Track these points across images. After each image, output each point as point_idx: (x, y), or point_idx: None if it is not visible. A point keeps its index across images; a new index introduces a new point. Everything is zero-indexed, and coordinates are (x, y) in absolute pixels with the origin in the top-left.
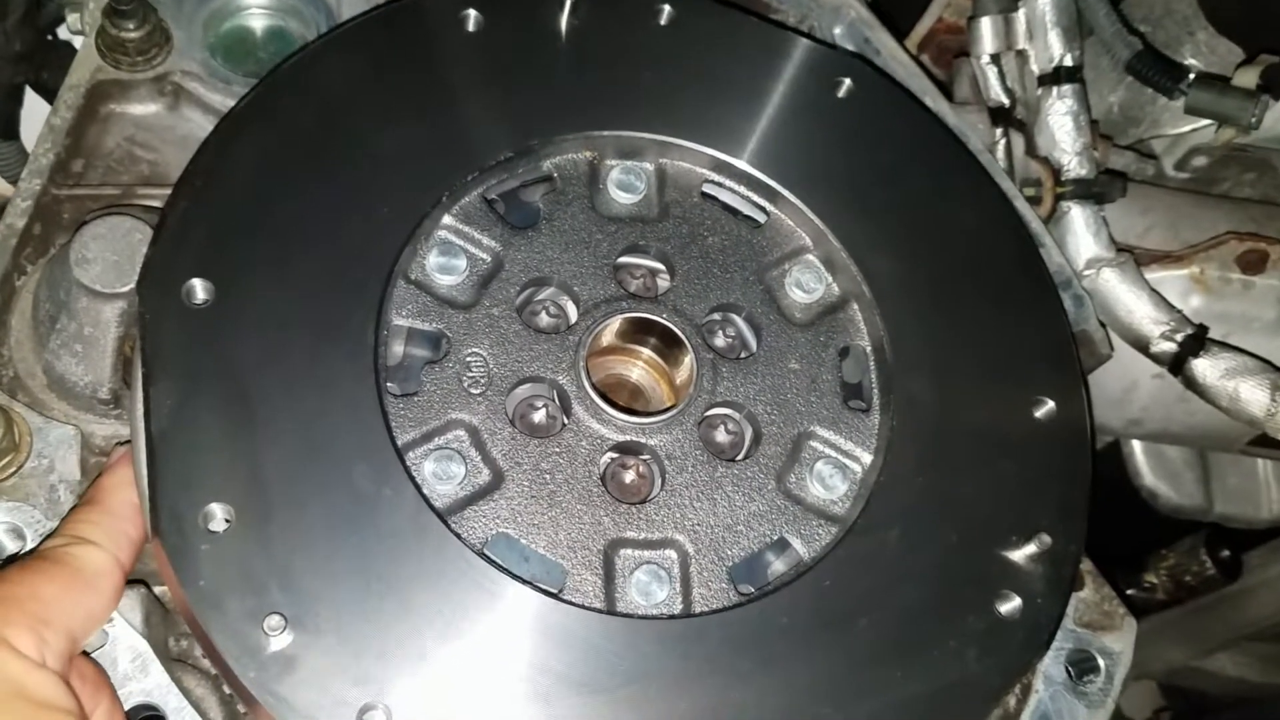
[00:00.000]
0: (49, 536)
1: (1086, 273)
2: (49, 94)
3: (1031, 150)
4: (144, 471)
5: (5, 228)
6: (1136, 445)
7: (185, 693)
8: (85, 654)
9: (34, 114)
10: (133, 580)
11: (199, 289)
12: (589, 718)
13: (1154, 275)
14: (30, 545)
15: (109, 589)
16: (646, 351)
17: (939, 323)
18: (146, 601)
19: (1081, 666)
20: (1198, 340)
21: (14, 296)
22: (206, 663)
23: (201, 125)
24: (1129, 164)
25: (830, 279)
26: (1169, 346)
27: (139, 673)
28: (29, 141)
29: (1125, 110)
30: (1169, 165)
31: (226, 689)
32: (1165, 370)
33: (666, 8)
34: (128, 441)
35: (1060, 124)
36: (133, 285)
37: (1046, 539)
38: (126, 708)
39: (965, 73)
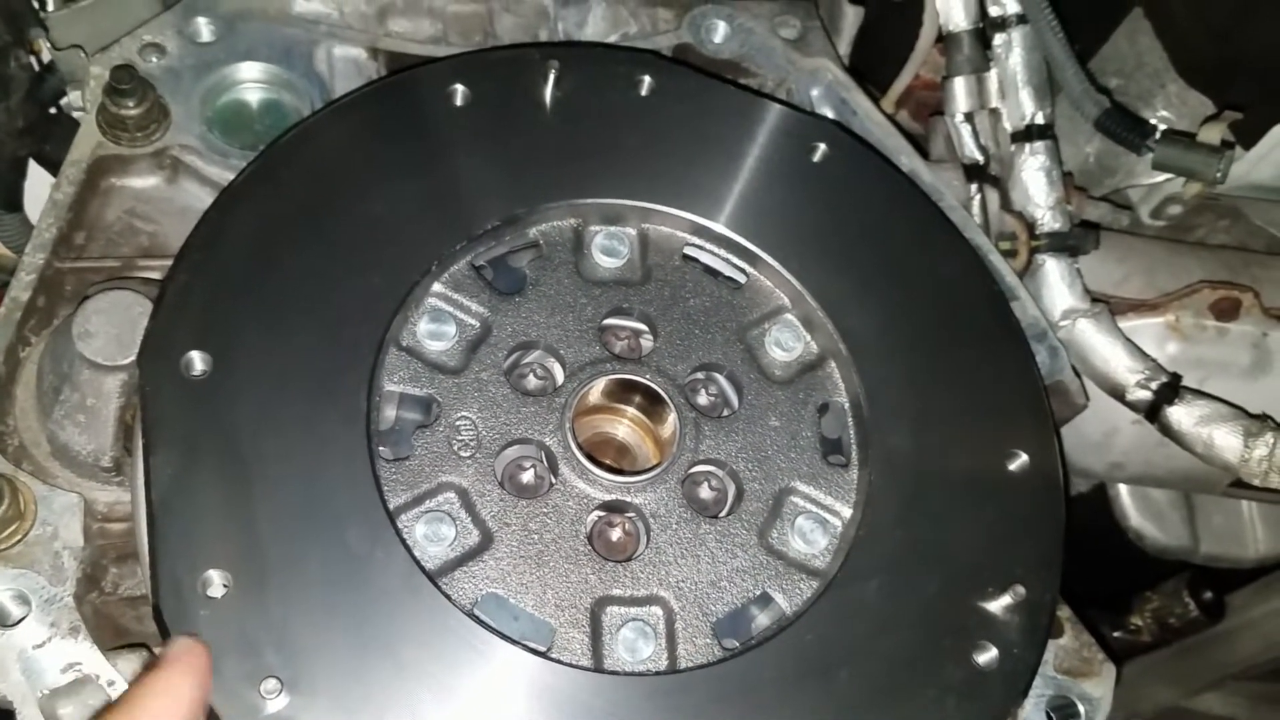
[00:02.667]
0: None
1: (1062, 324)
2: (51, 166)
3: (1006, 205)
4: (144, 539)
5: (10, 301)
6: (1122, 487)
7: None
8: None
9: (36, 183)
10: (135, 644)
11: (197, 361)
12: None
13: (1131, 323)
14: (34, 611)
15: None
16: (631, 410)
17: (914, 379)
18: (149, 664)
19: (1063, 713)
20: (1172, 388)
21: (19, 368)
22: None
23: (199, 197)
24: (1104, 215)
25: (808, 337)
26: (1144, 395)
27: None
28: (31, 211)
29: (1101, 160)
30: (1144, 214)
31: None
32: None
33: (647, 78)
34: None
35: (1033, 179)
36: (133, 358)
37: (1021, 590)
38: None
39: (940, 130)
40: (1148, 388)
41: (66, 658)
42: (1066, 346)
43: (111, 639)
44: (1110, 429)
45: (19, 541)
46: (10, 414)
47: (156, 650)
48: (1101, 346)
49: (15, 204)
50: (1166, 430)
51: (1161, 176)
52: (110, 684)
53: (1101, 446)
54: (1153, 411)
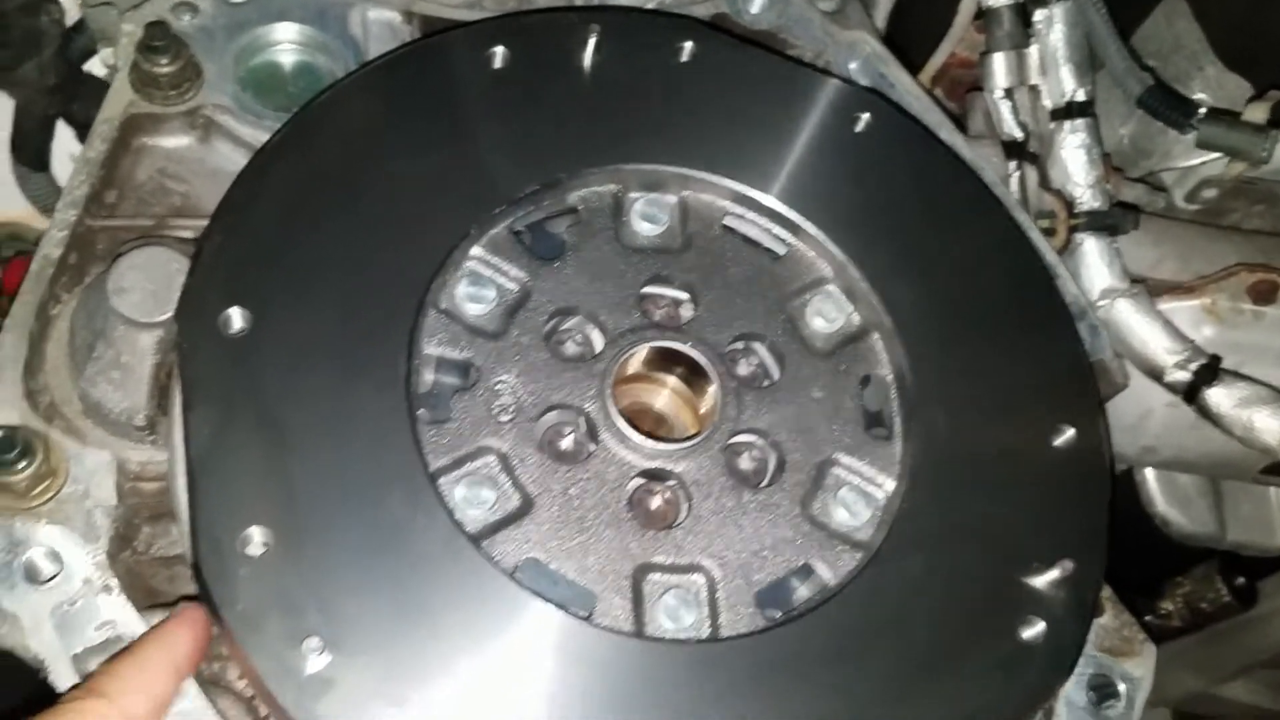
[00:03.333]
0: (74, 687)
1: (1101, 303)
2: (79, 126)
3: (1045, 183)
4: (183, 497)
5: (42, 258)
6: (1149, 472)
7: (220, 714)
8: None
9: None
10: (171, 603)
11: (236, 318)
12: None
13: (1166, 306)
14: (65, 569)
15: None
16: (672, 380)
17: (959, 351)
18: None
19: (1102, 692)
20: (1211, 370)
21: (50, 325)
22: (240, 685)
23: (232, 159)
24: (1139, 196)
25: (851, 309)
26: (1183, 376)
27: (176, 696)
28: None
29: (1136, 143)
30: (1179, 197)
31: (263, 712)
32: (1179, 399)
33: (688, 45)
34: (194, 597)
35: (1073, 157)
36: (169, 314)
37: (1069, 564)
38: None
39: (979, 106)
40: (1186, 369)
41: (100, 616)
42: (1105, 326)
43: (143, 600)
44: (1144, 411)
45: (51, 499)
46: (41, 371)
47: None
48: (1140, 327)
49: (43, 163)
50: (1205, 413)
51: (1197, 159)
52: None
53: (1134, 429)
54: (1191, 393)
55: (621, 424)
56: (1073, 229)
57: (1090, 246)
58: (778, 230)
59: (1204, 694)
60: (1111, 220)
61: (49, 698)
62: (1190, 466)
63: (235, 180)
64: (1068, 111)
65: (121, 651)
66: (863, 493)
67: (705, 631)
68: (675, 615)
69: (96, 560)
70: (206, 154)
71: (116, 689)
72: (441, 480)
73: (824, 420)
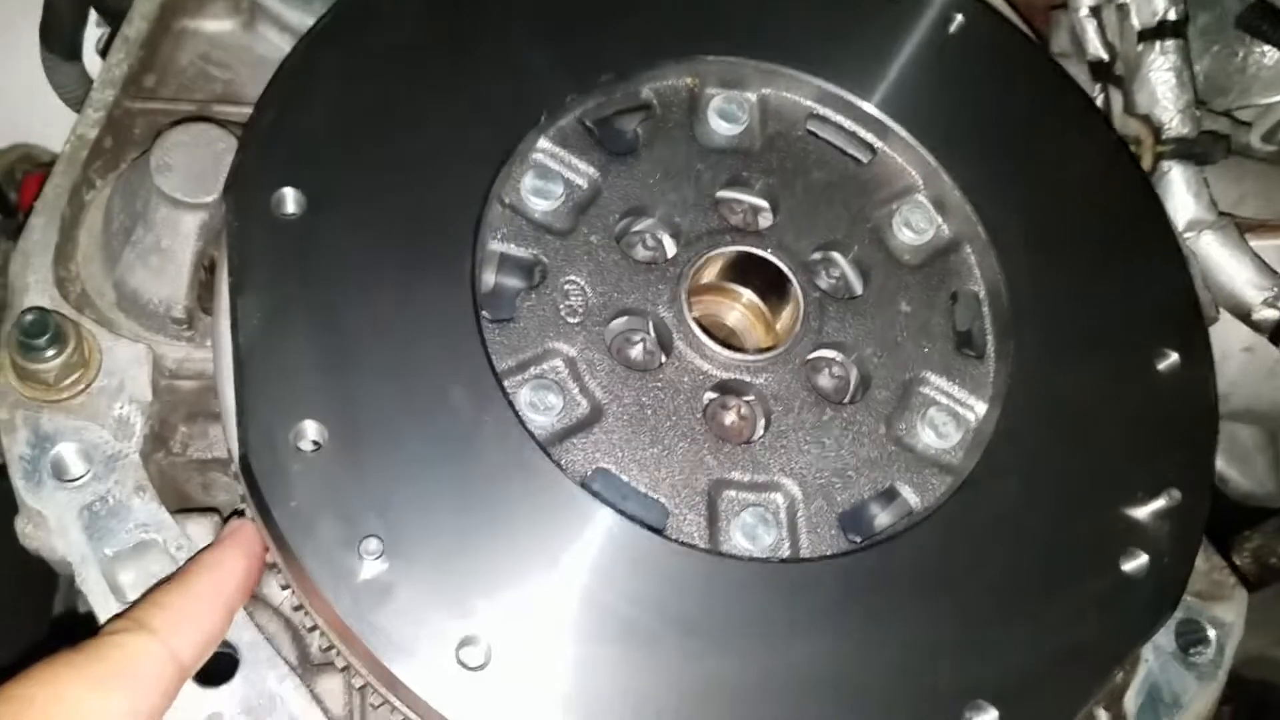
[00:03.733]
0: (116, 616)
1: (1186, 235)
2: (112, 17)
3: (1130, 108)
4: (229, 390)
5: (75, 138)
6: None
7: (258, 629)
8: None
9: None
10: (205, 509)
11: (290, 199)
12: (695, 660)
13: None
14: (96, 467)
15: (154, 688)
16: (747, 294)
17: (1056, 268)
18: (219, 532)
19: (1189, 638)
20: None
21: (83, 210)
22: (279, 599)
23: (278, 46)
24: (1222, 130)
25: (940, 221)
26: (1272, 314)
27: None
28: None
29: (1212, 79)
30: (1256, 137)
31: (308, 623)
32: (1260, 342)
33: None
34: (240, 512)
35: (1162, 80)
36: (215, 197)
37: (1176, 494)
38: None
39: (1063, 25)
40: (1275, 306)
41: (132, 519)
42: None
43: (174, 505)
44: (1218, 357)
45: (81, 392)
46: (73, 259)
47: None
48: (1227, 261)
49: (75, 53)
50: None
51: (1278, 96)
52: (179, 548)
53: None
54: (1278, 333)
55: (697, 331)
56: (1159, 156)
57: (1177, 175)
58: (864, 133)
59: (1262, 656)
60: (1200, 148)
61: (85, 624)
62: (1262, 418)
63: (290, 53)
64: (1158, 31)
65: (168, 579)
66: (952, 414)
67: (784, 552)
68: (753, 534)
69: (129, 459)
70: (251, 40)
71: (163, 623)
72: (505, 383)
73: (911, 337)
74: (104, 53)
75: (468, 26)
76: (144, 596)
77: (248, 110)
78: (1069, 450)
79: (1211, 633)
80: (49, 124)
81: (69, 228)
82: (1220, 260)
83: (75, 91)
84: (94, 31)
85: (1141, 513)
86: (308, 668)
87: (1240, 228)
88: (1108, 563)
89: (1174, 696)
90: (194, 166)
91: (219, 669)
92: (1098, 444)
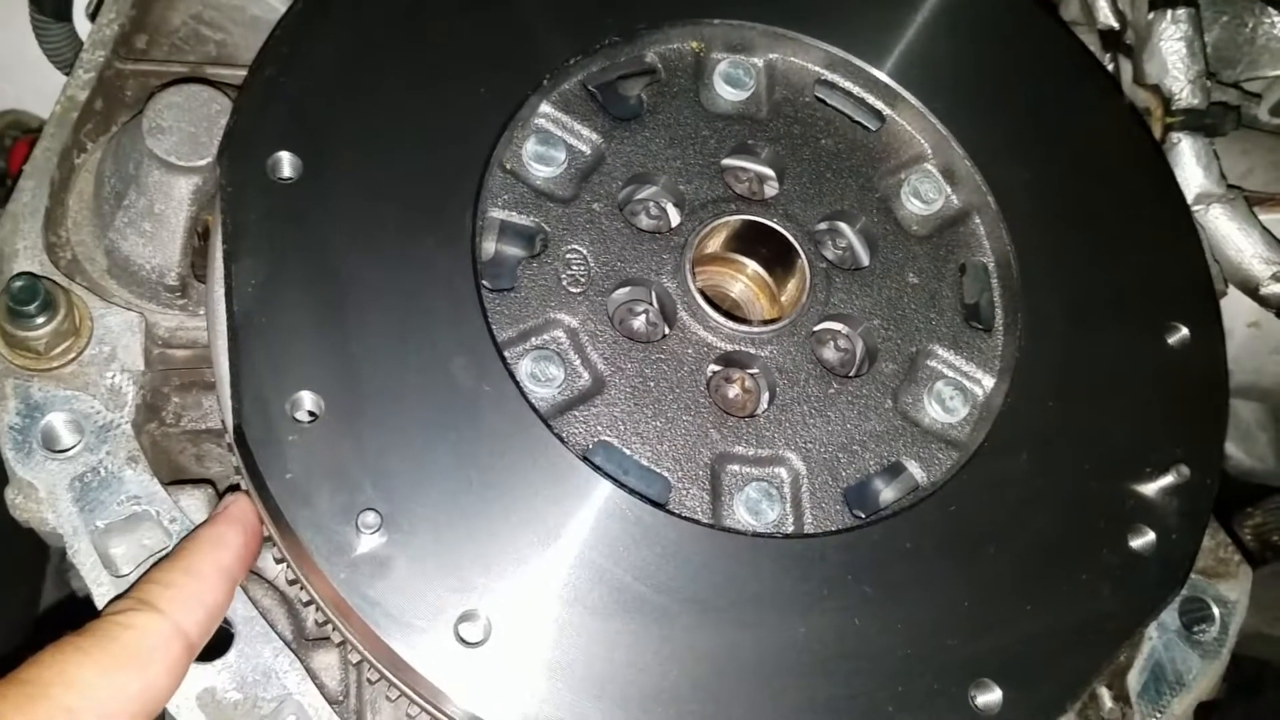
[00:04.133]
0: (119, 597)
1: (1195, 208)
2: None
3: (1140, 78)
4: (223, 360)
5: (66, 100)
6: None
7: (252, 604)
8: None
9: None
10: (199, 480)
11: (286, 163)
12: (698, 635)
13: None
14: (87, 438)
15: (163, 667)
16: (752, 265)
17: (1066, 240)
18: (213, 504)
19: (1194, 615)
20: None
21: (73, 174)
22: (274, 573)
23: (273, 7)
24: (1231, 101)
25: (949, 190)
26: (1279, 289)
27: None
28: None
29: (1220, 51)
30: (1264, 110)
31: (304, 597)
32: (1266, 318)
33: None
34: (237, 486)
35: (1173, 50)
36: (209, 160)
37: (1185, 470)
38: None
39: None
40: None
41: (124, 490)
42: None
43: (167, 477)
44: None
45: (73, 360)
46: (63, 225)
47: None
48: (1235, 235)
49: (64, 13)
50: None
51: None
52: (172, 521)
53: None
54: None
55: (702, 302)
56: (1168, 127)
57: (1186, 147)
58: (873, 100)
59: (1259, 633)
60: (1211, 119)
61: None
62: (1264, 394)
63: (288, 12)
64: (1170, 0)
65: (167, 556)
66: (960, 388)
67: (788, 527)
68: (756, 509)
69: (121, 429)
70: (245, 1)
71: (168, 601)
72: (506, 353)
73: (920, 308)
74: (94, 15)
75: None
76: (145, 575)
77: (241, 73)
78: (1077, 426)
79: (1216, 611)
80: (39, 91)
81: (59, 192)
82: (1228, 234)
83: (65, 54)
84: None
85: (1150, 489)
86: (303, 643)
87: (1249, 201)
88: (1115, 539)
89: (1177, 675)
90: (187, 128)
91: (213, 644)
92: (1106, 419)
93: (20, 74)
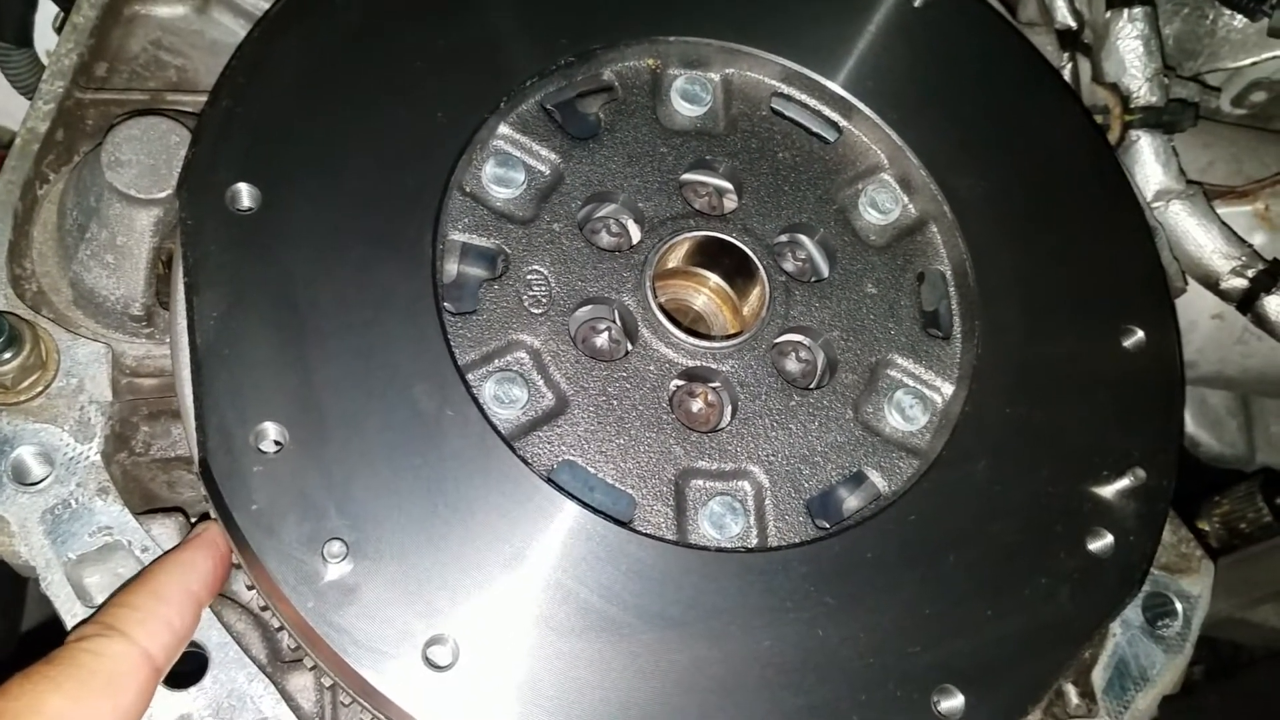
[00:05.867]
0: (84, 622)
1: (1155, 205)
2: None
3: (1098, 76)
4: (187, 390)
5: (26, 131)
6: None
7: (225, 628)
8: None
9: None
10: (170, 509)
11: (244, 194)
12: (666, 651)
13: (1217, 211)
14: (57, 470)
15: (132, 691)
16: (714, 278)
17: (1023, 246)
18: (185, 531)
19: (1157, 610)
20: (1271, 276)
21: (36, 206)
22: (247, 597)
23: (232, 30)
24: (1191, 95)
25: (906, 200)
26: (1239, 283)
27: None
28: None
29: (1181, 43)
30: (1225, 100)
31: (275, 623)
32: (1229, 309)
33: None
34: (208, 515)
35: (1130, 48)
36: (170, 191)
37: (1141, 473)
38: None
39: None
40: (1243, 275)
41: (95, 521)
42: (1160, 229)
43: (140, 506)
44: (1187, 324)
45: (41, 393)
46: (27, 257)
47: (194, 520)
48: (1194, 231)
49: (25, 39)
50: (1261, 321)
51: (1247, 60)
52: (144, 550)
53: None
54: (1247, 301)
55: (662, 319)
56: (1127, 125)
57: (1145, 144)
58: (829, 112)
59: (1230, 618)
60: (1169, 116)
61: (55, 631)
62: (1229, 382)
63: (242, 43)
64: None
65: (134, 580)
66: (919, 396)
67: (752, 540)
68: (720, 523)
69: (91, 461)
70: (205, 25)
71: (133, 625)
72: (469, 376)
73: (879, 318)
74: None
75: (422, 11)
76: (112, 599)
77: (203, 98)
78: (1035, 431)
79: (1179, 606)
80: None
81: (22, 224)
82: (1188, 229)
83: (28, 79)
84: (49, 9)
85: (1107, 492)
86: (278, 665)
87: (1209, 195)
88: (1074, 543)
89: (1141, 670)
90: (147, 161)
91: (188, 670)
92: (1063, 424)
93: None
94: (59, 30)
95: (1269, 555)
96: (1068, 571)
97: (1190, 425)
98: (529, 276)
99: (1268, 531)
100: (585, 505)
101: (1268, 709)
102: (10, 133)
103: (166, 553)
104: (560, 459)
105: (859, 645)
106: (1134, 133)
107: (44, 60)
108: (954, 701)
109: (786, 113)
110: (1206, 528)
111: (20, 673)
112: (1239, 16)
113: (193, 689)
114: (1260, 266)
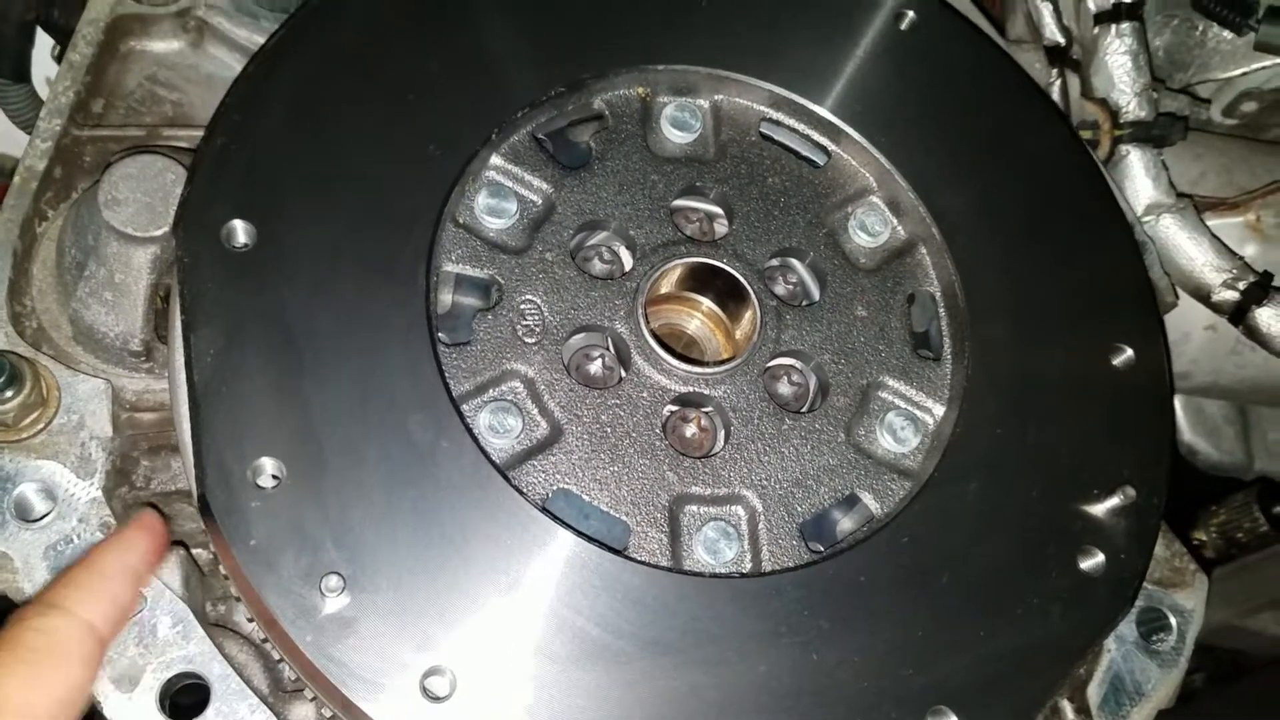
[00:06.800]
0: (26, 604)
1: (1145, 219)
2: (60, 34)
3: (1088, 92)
4: (186, 426)
5: (25, 170)
6: (1176, 400)
7: (227, 659)
8: None
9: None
10: (172, 542)
11: (240, 231)
12: (662, 678)
13: (1208, 223)
14: (59, 506)
15: (79, 664)
16: (706, 302)
17: (1012, 266)
18: (185, 564)
19: (1151, 626)
20: (1262, 288)
21: (36, 244)
22: (249, 628)
23: (227, 64)
24: (1181, 108)
25: (895, 222)
26: (1231, 295)
27: (180, 639)
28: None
29: (1171, 54)
30: (1216, 111)
31: (276, 654)
32: (1222, 320)
33: None
34: (151, 504)
35: (1119, 64)
36: (166, 229)
37: (1130, 491)
38: (168, 675)
39: (1019, 9)
40: (1235, 288)
41: None
42: (1151, 243)
43: None
44: (1180, 336)
45: (42, 430)
46: (27, 294)
47: (195, 551)
48: (1186, 244)
49: (23, 74)
50: (1253, 333)
51: (1237, 70)
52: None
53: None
54: (1239, 313)
55: (655, 346)
56: (1117, 140)
57: (1135, 159)
58: (818, 136)
59: (1228, 625)
60: (1159, 130)
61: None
62: (1225, 392)
63: (236, 80)
64: (1114, 14)
65: (76, 561)
66: (911, 418)
67: (746, 565)
68: (714, 549)
69: (92, 496)
70: (200, 59)
71: (76, 600)
72: (464, 407)
73: (870, 341)
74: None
75: (417, 45)
76: (55, 579)
77: (198, 133)
78: (1026, 451)
79: (1173, 620)
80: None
81: (22, 262)
82: (1179, 243)
83: (27, 115)
84: (47, 41)
85: (1098, 510)
86: (280, 695)
87: (1199, 207)
88: (1065, 562)
89: (1136, 685)
90: (143, 199)
91: (191, 702)
92: (1054, 443)
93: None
94: (58, 60)
95: (1267, 564)
96: (1060, 590)
97: (1188, 433)
98: (522, 306)
99: (1265, 541)
100: (580, 534)
101: (1269, 713)
102: (11, 160)
103: (108, 535)
104: (555, 487)
105: (853, 668)
106: (1124, 147)
107: (42, 89)
108: None
109: (776, 137)
110: (1204, 538)
111: None
112: None
113: None
114: (1251, 279)
